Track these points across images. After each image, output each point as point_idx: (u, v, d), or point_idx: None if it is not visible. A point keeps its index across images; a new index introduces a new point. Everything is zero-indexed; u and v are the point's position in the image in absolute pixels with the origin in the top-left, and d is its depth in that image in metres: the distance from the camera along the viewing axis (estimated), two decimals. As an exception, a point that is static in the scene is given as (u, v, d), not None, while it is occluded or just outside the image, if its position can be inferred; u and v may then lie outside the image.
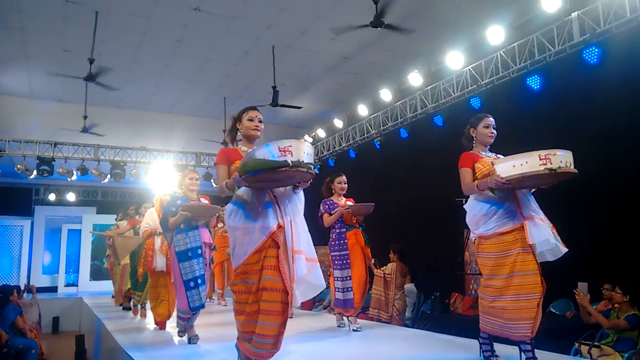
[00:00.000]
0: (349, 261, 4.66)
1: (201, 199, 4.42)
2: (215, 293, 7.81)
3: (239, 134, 3.08)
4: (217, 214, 4.36)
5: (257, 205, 2.77)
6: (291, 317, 5.53)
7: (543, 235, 2.91)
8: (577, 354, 4.21)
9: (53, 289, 14.01)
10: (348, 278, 4.64)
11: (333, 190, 4.86)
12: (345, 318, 4.84)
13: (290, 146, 2.49)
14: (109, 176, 11.14)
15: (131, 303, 6.65)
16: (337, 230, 4.75)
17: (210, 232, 4.34)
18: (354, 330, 4.61)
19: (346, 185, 4.86)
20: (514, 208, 3.00)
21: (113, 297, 8.24)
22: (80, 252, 14.43)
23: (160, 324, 5.10)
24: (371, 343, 4.23)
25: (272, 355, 2.76)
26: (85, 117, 9.24)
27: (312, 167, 2.59)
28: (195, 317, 4.22)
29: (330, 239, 4.81)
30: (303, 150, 2.53)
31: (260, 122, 3.02)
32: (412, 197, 8.56)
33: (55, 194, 14.19)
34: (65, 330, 10.51)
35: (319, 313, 7.02)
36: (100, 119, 9.70)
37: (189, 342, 4.17)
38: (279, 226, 2.75)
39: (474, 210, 3.11)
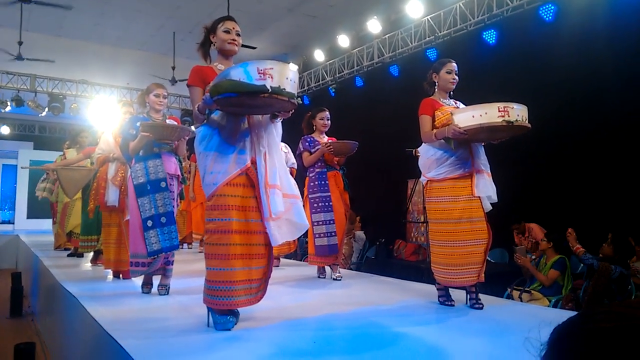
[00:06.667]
0: (331, 203, 4.23)
1: (168, 120, 3.71)
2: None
3: (212, 48, 2.70)
4: (187, 137, 3.57)
5: (234, 132, 2.48)
6: (277, 267, 5.11)
7: (487, 191, 3.02)
8: (509, 298, 4.48)
9: (-13, 226, 13.44)
10: (332, 222, 4.21)
11: (314, 127, 4.41)
12: (326, 268, 4.47)
13: (272, 69, 2.18)
14: (46, 109, 10.45)
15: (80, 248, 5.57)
16: (317, 170, 4.29)
17: (179, 161, 3.72)
18: (334, 279, 4.27)
19: (329, 121, 4.42)
20: (466, 156, 3.07)
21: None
22: (17, 189, 13.79)
23: (125, 274, 4.24)
24: (351, 290, 3.88)
25: (256, 302, 2.53)
26: (20, 44, 8.50)
27: (295, 96, 2.28)
28: (157, 262, 3.46)
29: (308, 179, 4.35)
30: (286, 76, 2.22)
31: (238, 35, 2.64)
32: (364, 146, 8.55)
33: (-13, 126, 13.32)
34: (1, 268, 10.13)
35: (297, 263, 6.23)
36: (37, 47, 8.98)
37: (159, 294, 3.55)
38: (252, 161, 2.50)
39: (428, 154, 3.15)
